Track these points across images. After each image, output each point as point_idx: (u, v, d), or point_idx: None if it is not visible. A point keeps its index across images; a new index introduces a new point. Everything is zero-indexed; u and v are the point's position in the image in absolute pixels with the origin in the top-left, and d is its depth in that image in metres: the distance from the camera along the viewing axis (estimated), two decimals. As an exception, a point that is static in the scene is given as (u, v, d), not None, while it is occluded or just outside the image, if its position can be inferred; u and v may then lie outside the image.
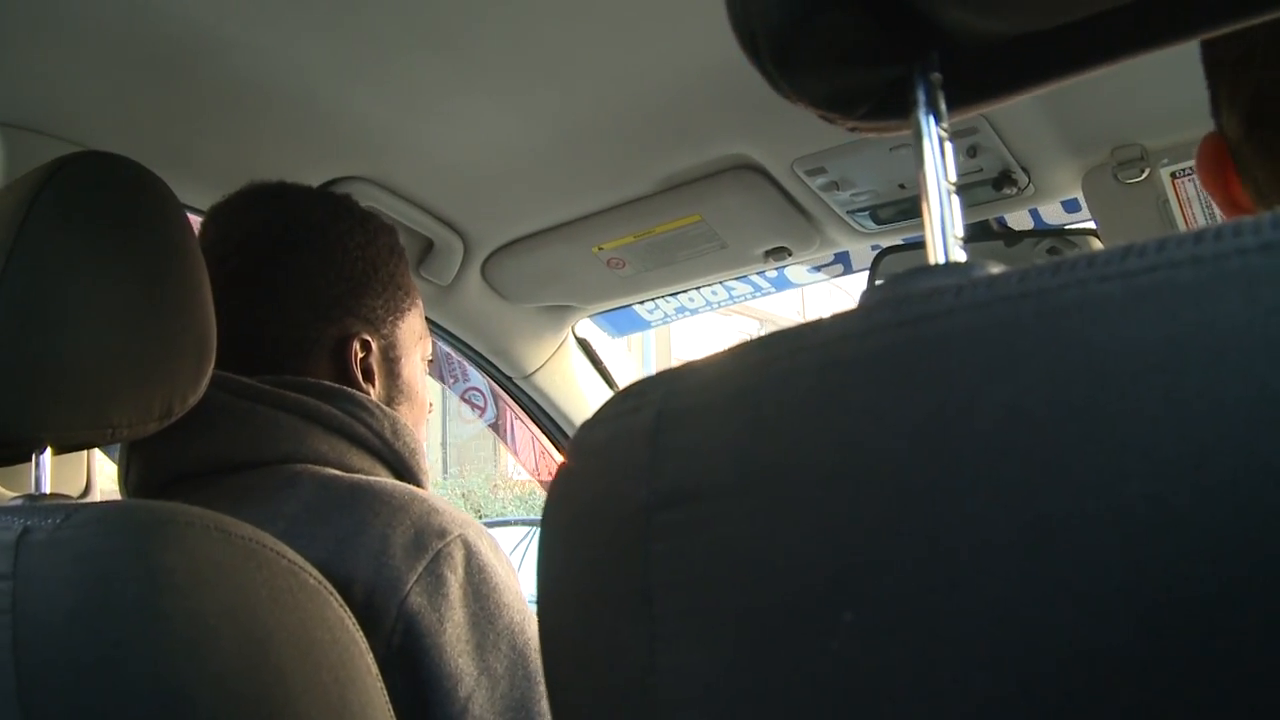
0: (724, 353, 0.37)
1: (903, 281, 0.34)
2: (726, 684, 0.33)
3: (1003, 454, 0.28)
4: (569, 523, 0.41)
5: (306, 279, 1.06)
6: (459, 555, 0.89)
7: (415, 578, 0.86)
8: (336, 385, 1.03)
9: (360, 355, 1.08)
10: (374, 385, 1.09)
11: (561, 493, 0.42)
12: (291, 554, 0.75)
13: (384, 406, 1.05)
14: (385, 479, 0.96)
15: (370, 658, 0.78)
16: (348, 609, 0.77)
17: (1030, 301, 0.29)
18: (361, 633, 0.78)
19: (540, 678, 0.88)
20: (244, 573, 0.72)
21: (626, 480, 0.37)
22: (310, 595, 0.75)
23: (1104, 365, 0.27)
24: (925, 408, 0.29)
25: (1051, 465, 0.27)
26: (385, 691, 0.79)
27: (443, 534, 0.89)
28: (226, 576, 0.71)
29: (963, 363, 0.29)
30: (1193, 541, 0.25)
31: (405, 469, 1.04)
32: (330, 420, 0.99)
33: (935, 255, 0.38)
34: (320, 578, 0.76)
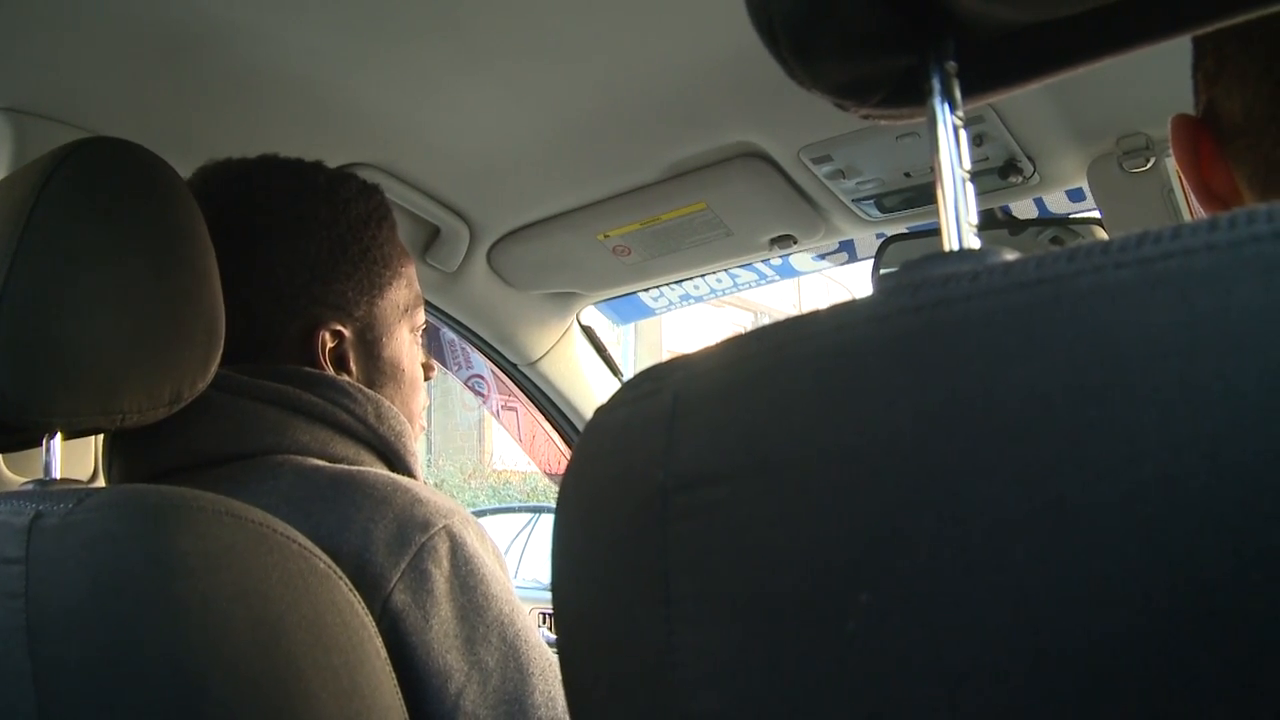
0: (740, 337, 0.37)
1: (919, 267, 0.34)
2: (743, 664, 0.33)
3: (1019, 437, 0.28)
4: (586, 505, 0.42)
5: (266, 272, 1.00)
6: (444, 548, 0.87)
7: (398, 575, 0.84)
8: (317, 371, 1.00)
9: (330, 345, 1.03)
10: (350, 373, 1.04)
11: (578, 475, 0.43)
12: (302, 538, 0.75)
13: (366, 390, 1.01)
14: (368, 469, 0.94)
15: (379, 642, 0.78)
16: (357, 594, 0.78)
17: (1047, 287, 0.29)
18: (371, 617, 0.78)
19: (531, 669, 0.88)
20: (255, 556, 0.72)
21: (644, 463, 0.37)
22: (321, 579, 0.75)
23: (1120, 350, 0.27)
24: (942, 392, 0.30)
25: (1068, 449, 0.27)
26: (394, 675, 0.79)
27: (426, 526, 0.87)
28: (238, 560, 0.72)
29: (979, 347, 0.29)
30: (1207, 524, 0.25)
31: (391, 452, 1.01)
32: (311, 409, 0.96)
33: (950, 242, 0.38)
34: (330, 562, 0.76)
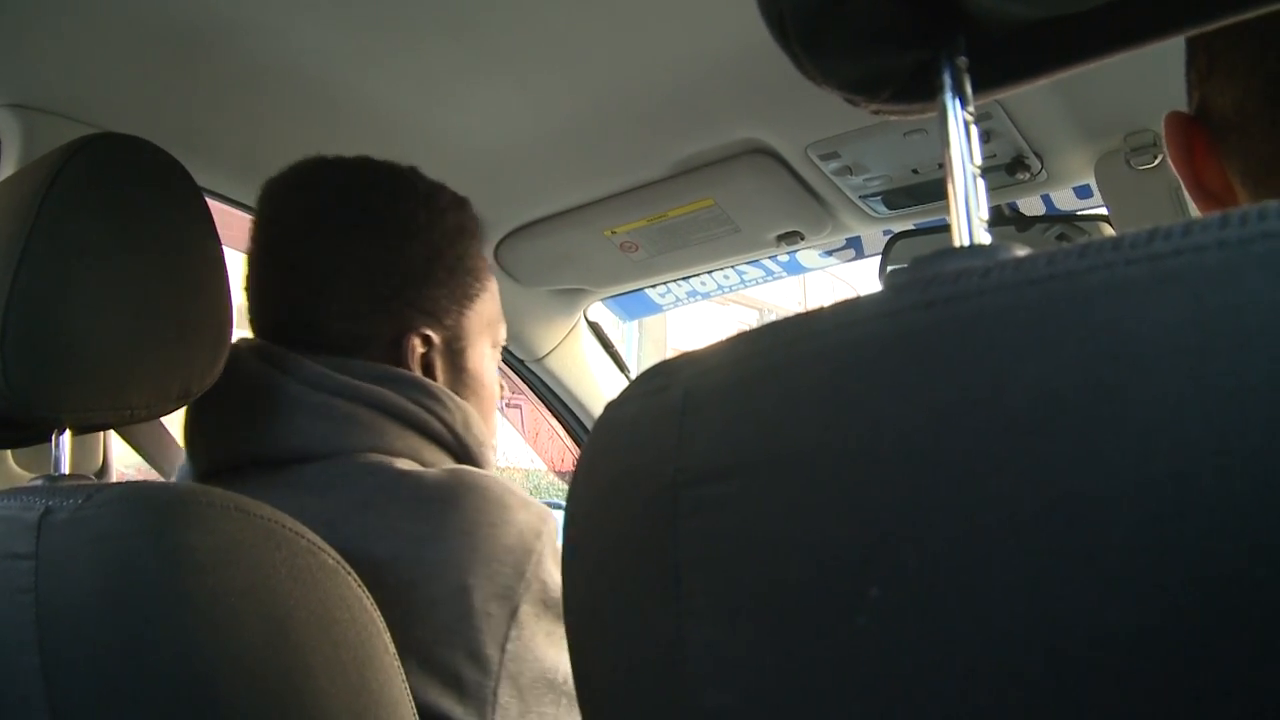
0: (750, 333, 0.37)
1: (929, 263, 0.34)
2: (753, 659, 0.34)
3: (1030, 434, 0.28)
4: (596, 500, 0.42)
5: (363, 269, 1.00)
6: (550, 554, 0.92)
7: (524, 587, 0.88)
8: (411, 375, 0.99)
9: (420, 351, 1.03)
10: (435, 381, 1.04)
11: (588, 470, 0.43)
12: (310, 534, 0.76)
13: (457, 398, 1.01)
14: (470, 469, 0.94)
15: (388, 637, 0.79)
16: (365, 589, 0.78)
17: (1058, 284, 0.29)
18: (379, 612, 0.78)
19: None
20: (264, 552, 0.73)
21: (654, 457, 0.37)
22: (329, 575, 0.75)
23: (1131, 347, 0.27)
24: (953, 388, 0.30)
25: (1079, 445, 0.27)
26: (402, 671, 0.79)
27: (538, 533, 0.91)
28: (246, 556, 0.72)
29: (990, 344, 0.29)
30: (1218, 520, 0.25)
31: (473, 463, 1.01)
32: (404, 413, 0.96)
33: (960, 237, 0.38)
34: (338, 557, 0.77)
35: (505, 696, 0.87)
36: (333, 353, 0.99)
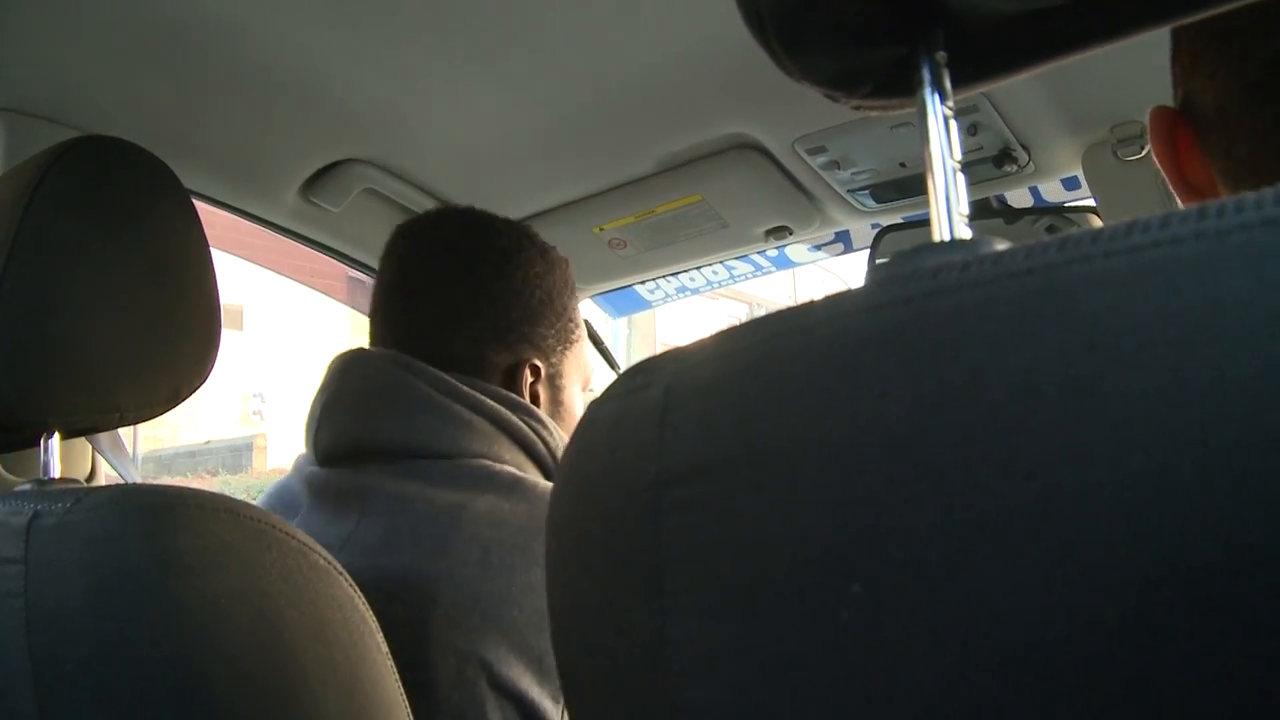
0: (732, 330, 0.37)
1: (910, 258, 0.34)
2: (737, 656, 0.34)
3: (1009, 427, 0.28)
4: (579, 498, 0.42)
5: (489, 303, 1.14)
6: None
7: None
8: (523, 400, 1.12)
9: (530, 380, 1.15)
10: (539, 408, 1.15)
11: (571, 468, 0.43)
12: (301, 535, 0.76)
13: (558, 426, 1.13)
14: None
15: (380, 636, 0.79)
16: (357, 589, 0.78)
17: (1036, 277, 0.29)
18: (371, 612, 0.78)
19: None
20: (254, 553, 0.73)
21: (636, 456, 0.37)
22: (320, 575, 0.75)
23: (1109, 339, 0.27)
24: (933, 382, 0.30)
25: (1057, 437, 0.27)
26: (395, 670, 0.79)
27: None
28: (236, 557, 0.72)
29: (970, 337, 0.30)
30: (1196, 512, 0.25)
31: None
32: (514, 431, 1.08)
33: (941, 232, 0.38)
34: (329, 557, 0.76)
35: None
36: (456, 369, 1.10)
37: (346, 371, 1.11)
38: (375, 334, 1.19)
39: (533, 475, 1.07)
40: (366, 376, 1.09)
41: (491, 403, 1.07)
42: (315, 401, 1.11)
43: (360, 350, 1.13)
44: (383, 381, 1.08)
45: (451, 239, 1.17)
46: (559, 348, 1.19)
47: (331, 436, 1.08)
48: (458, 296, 1.13)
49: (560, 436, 1.12)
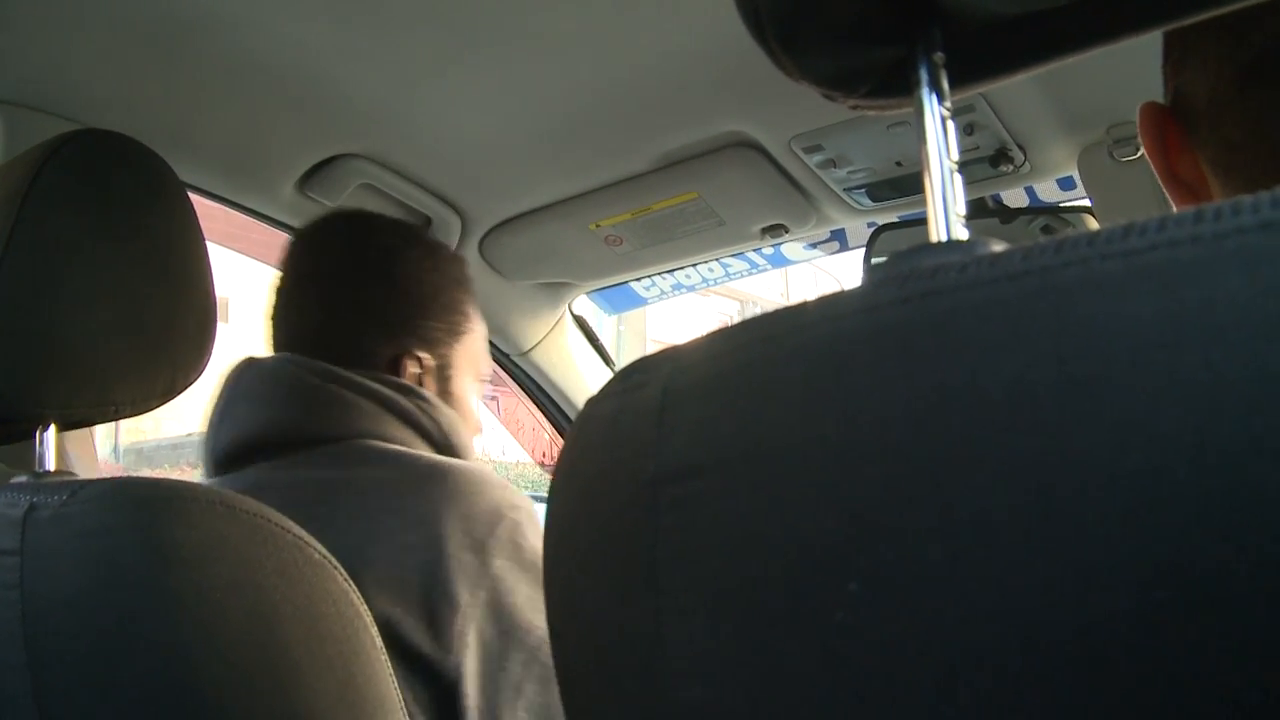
0: (729, 329, 0.37)
1: (907, 258, 0.34)
2: (733, 654, 0.34)
3: (1006, 428, 0.28)
4: (577, 496, 0.42)
5: (373, 300, 1.19)
6: (528, 525, 1.05)
7: (497, 542, 1.01)
8: (407, 383, 1.16)
9: (414, 370, 1.19)
10: None
11: (568, 466, 0.43)
12: (296, 529, 0.76)
13: (445, 406, 1.18)
14: (454, 460, 1.10)
15: (374, 631, 0.79)
16: (352, 583, 0.78)
17: (1034, 279, 0.29)
18: (366, 606, 0.78)
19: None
20: (249, 547, 0.73)
21: (633, 454, 0.38)
22: (315, 569, 0.75)
23: (1106, 341, 0.27)
24: (930, 383, 0.30)
25: (1054, 439, 0.27)
26: (389, 665, 0.80)
27: (514, 506, 1.05)
28: (232, 551, 0.72)
29: (967, 339, 0.30)
30: (1191, 514, 0.25)
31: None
32: (398, 408, 1.13)
33: (938, 233, 0.38)
34: (324, 552, 0.77)
35: (473, 639, 0.99)
36: (342, 363, 1.15)
37: (239, 379, 1.16)
38: (270, 338, 1.25)
39: (420, 449, 1.13)
40: (261, 379, 1.14)
41: (375, 385, 1.12)
42: (211, 413, 1.16)
43: (250, 358, 1.18)
44: (273, 380, 1.14)
45: (337, 241, 1.23)
46: (447, 340, 1.24)
47: (228, 440, 1.12)
48: (343, 295, 1.19)
49: (449, 416, 1.17)
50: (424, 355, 1.21)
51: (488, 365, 1.35)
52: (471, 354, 1.29)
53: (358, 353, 1.17)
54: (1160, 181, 0.61)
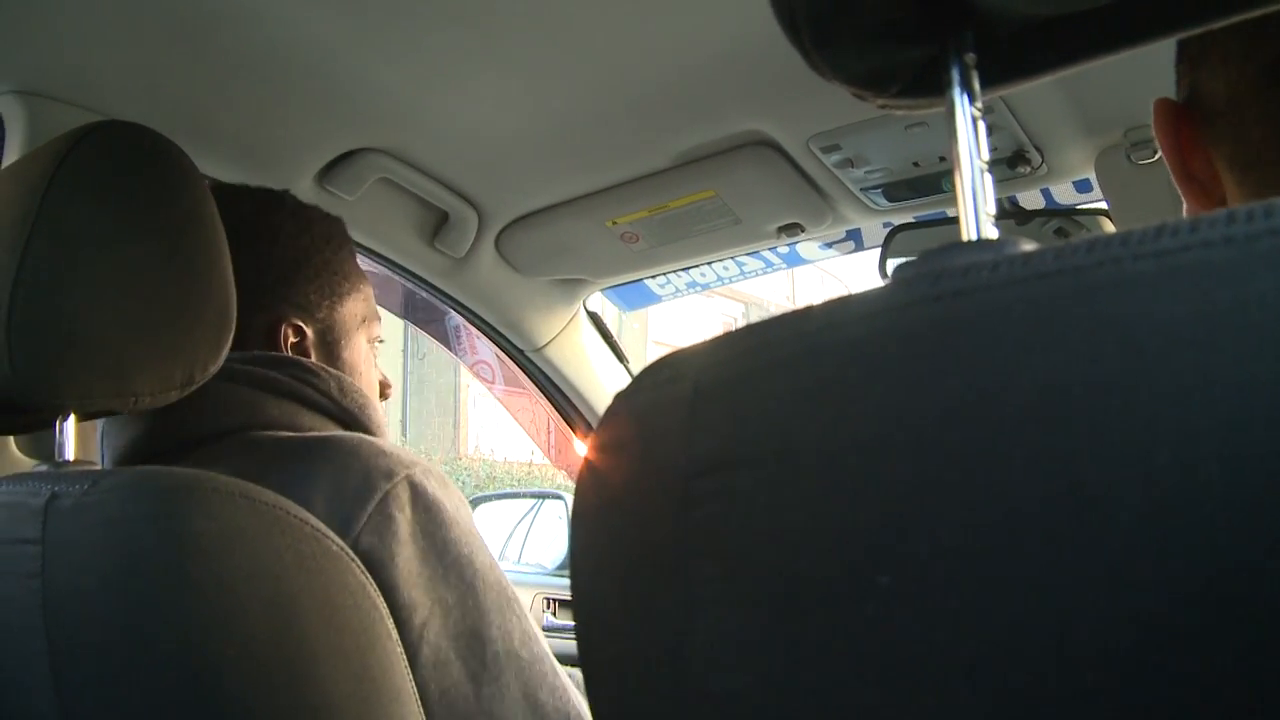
0: (758, 325, 0.38)
1: (937, 257, 0.34)
2: (762, 646, 0.34)
3: (1038, 425, 0.28)
4: (606, 489, 0.42)
5: (237, 272, 1.04)
6: (406, 495, 0.94)
7: (365, 519, 0.89)
8: (282, 354, 1.08)
9: (292, 340, 1.12)
10: None
11: (599, 460, 0.43)
12: (314, 520, 0.76)
13: (328, 368, 1.09)
14: (336, 432, 1.02)
15: (390, 623, 0.79)
16: (368, 574, 0.78)
17: (1066, 278, 0.29)
18: (382, 598, 0.79)
19: (488, 605, 0.94)
20: (269, 538, 0.73)
21: (665, 448, 0.38)
22: (333, 561, 0.76)
23: (1138, 340, 0.27)
24: (962, 381, 0.30)
25: (1085, 436, 0.28)
26: (404, 657, 0.80)
27: (390, 475, 0.93)
28: (252, 542, 0.72)
29: (999, 337, 0.30)
30: (1221, 511, 0.26)
31: (356, 423, 1.08)
32: (278, 386, 1.04)
33: (968, 231, 0.38)
34: (342, 544, 0.77)
35: None
36: None
37: None
38: None
39: (313, 423, 1.05)
40: None
41: (244, 366, 1.03)
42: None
43: None
44: None
45: None
46: (325, 303, 1.16)
47: (110, 449, 1.05)
48: None
49: (336, 379, 1.09)
50: (301, 323, 1.13)
51: (378, 325, 1.26)
52: (358, 315, 1.21)
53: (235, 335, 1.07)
54: (1174, 179, 0.61)
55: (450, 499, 0.98)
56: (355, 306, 1.20)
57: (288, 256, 1.13)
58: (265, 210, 1.14)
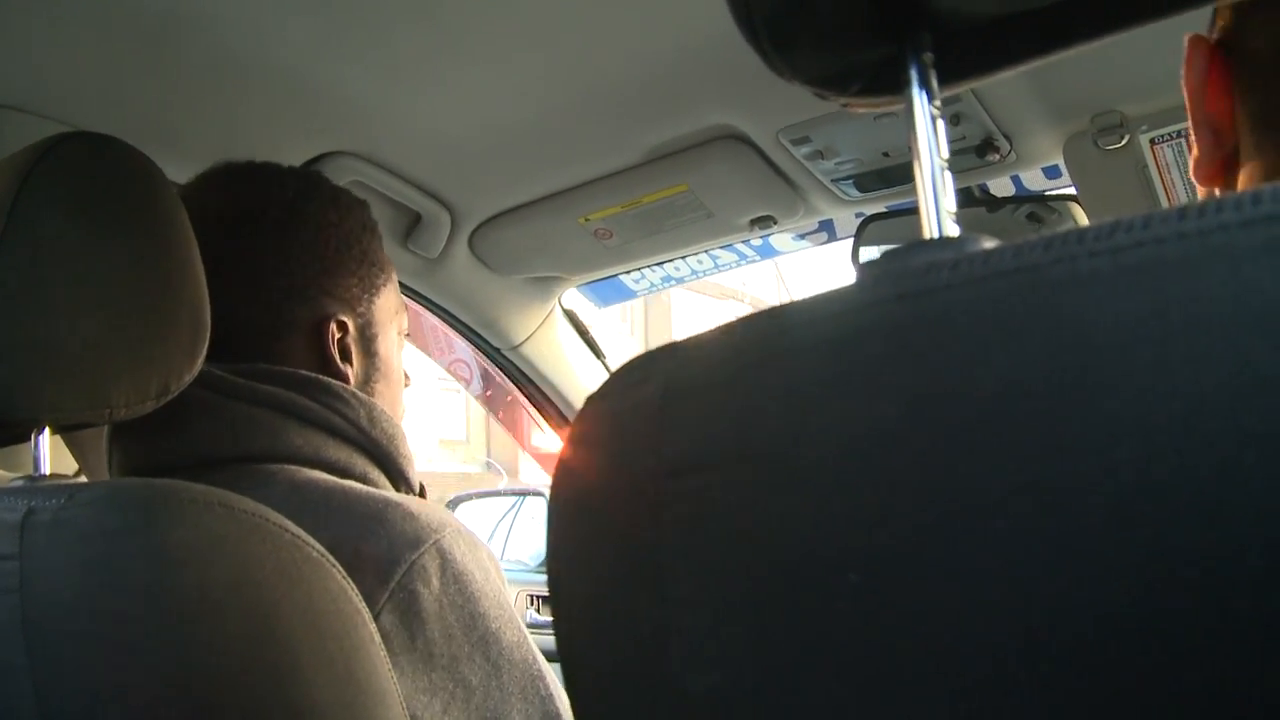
0: (726, 326, 0.38)
1: (899, 256, 0.35)
2: (736, 645, 0.34)
3: (998, 423, 0.29)
4: (581, 490, 0.43)
5: (278, 260, 1.04)
6: (433, 566, 0.89)
7: (387, 595, 0.86)
8: (312, 375, 1.02)
9: (337, 336, 1.07)
10: (352, 365, 1.08)
11: (572, 462, 0.44)
12: (294, 527, 0.76)
13: (360, 394, 1.04)
14: (359, 485, 0.95)
15: (373, 627, 0.79)
16: (350, 580, 0.78)
17: (1024, 276, 0.30)
18: (364, 602, 0.79)
19: (512, 688, 0.91)
20: (248, 546, 0.73)
21: (637, 449, 0.38)
22: (314, 567, 0.76)
23: (1094, 337, 0.28)
24: (924, 379, 0.31)
25: (1045, 433, 0.28)
26: (389, 660, 0.80)
27: (416, 544, 0.89)
28: (231, 551, 0.72)
29: (959, 336, 0.30)
30: (1178, 503, 0.26)
31: (385, 456, 1.04)
32: (306, 413, 0.99)
33: (930, 229, 0.39)
34: (322, 550, 0.77)
35: None
36: (249, 347, 1.02)
37: None
38: None
39: (338, 454, 0.99)
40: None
41: (270, 388, 0.98)
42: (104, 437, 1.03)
43: None
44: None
45: (231, 198, 1.06)
46: (365, 295, 1.10)
47: (121, 460, 1.00)
48: (248, 260, 1.03)
49: (367, 406, 1.03)
50: (345, 318, 1.07)
51: (405, 314, 1.21)
52: (391, 307, 1.15)
53: (270, 328, 1.03)
54: (1190, 115, 0.59)
55: (480, 564, 0.94)
56: (389, 298, 1.15)
57: (331, 246, 1.07)
58: (306, 195, 1.08)
